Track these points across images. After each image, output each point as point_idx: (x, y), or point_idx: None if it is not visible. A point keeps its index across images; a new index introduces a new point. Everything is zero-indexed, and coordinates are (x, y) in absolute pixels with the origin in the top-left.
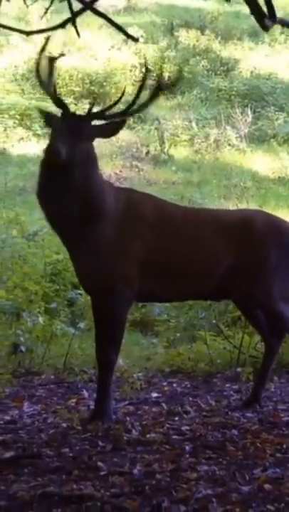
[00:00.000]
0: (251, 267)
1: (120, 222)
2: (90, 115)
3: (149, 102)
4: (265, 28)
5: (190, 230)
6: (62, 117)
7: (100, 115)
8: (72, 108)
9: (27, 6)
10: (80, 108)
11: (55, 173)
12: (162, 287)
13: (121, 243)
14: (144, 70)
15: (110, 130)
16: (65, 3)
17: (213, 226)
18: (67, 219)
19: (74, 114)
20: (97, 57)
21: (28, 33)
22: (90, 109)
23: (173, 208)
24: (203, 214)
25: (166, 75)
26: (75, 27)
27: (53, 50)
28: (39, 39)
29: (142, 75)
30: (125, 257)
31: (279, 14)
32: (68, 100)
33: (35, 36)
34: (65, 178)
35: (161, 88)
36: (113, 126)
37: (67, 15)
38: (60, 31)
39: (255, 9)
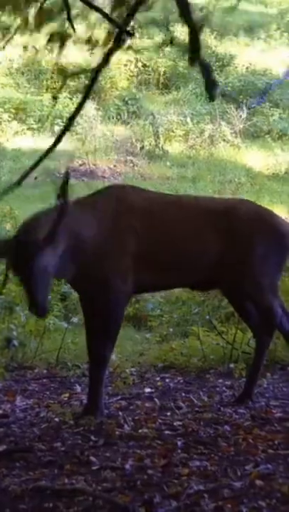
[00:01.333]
0: (237, 256)
1: (108, 220)
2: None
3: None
4: (212, 98)
5: (178, 219)
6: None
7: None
8: (66, 103)
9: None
10: (75, 102)
11: None
12: (151, 277)
13: (113, 240)
14: None
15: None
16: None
17: (200, 214)
18: None
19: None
20: (93, 51)
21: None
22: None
23: (160, 197)
24: (191, 202)
25: (161, 69)
26: (71, 22)
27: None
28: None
29: (137, 70)
30: (121, 253)
31: (272, 11)
32: (64, 94)
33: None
34: None
35: None
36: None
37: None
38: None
39: (208, 77)
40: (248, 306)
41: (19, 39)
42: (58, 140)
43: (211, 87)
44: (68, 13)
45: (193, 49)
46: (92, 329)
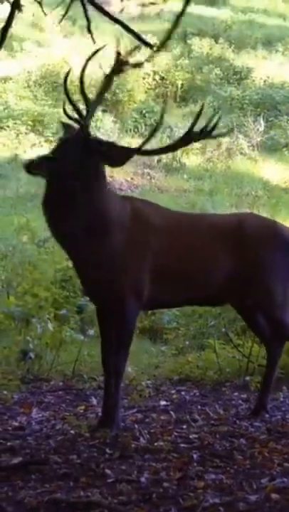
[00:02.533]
0: (247, 271)
1: (127, 232)
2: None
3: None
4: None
5: (190, 237)
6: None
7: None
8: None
9: (45, 14)
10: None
11: (53, 190)
12: (167, 294)
13: (129, 253)
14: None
15: (117, 157)
16: (80, 10)
17: (211, 231)
18: (73, 235)
19: (81, 131)
20: (108, 60)
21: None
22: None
23: (175, 214)
24: (202, 219)
25: (178, 82)
26: (91, 33)
27: (67, 56)
28: (52, 46)
29: (155, 83)
30: (135, 267)
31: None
32: (81, 107)
33: (48, 43)
34: (62, 194)
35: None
36: (121, 153)
37: (81, 21)
38: (75, 38)
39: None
40: (258, 318)
41: (37, 51)
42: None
43: None
44: (88, 25)
45: None
46: (107, 342)
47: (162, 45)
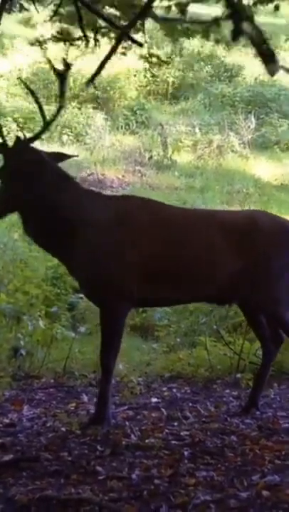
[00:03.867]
0: (256, 270)
1: (113, 231)
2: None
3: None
4: (272, 73)
5: (191, 233)
6: None
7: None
8: (74, 112)
9: (38, 11)
10: (84, 112)
11: (20, 214)
12: (160, 292)
13: (114, 251)
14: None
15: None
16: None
17: (218, 228)
18: (53, 242)
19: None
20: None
21: None
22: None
23: (171, 210)
24: (204, 215)
25: (170, 80)
26: (83, 31)
27: (58, 54)
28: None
29: (146, 80)
30: (120, 265)
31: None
32: (72, 104)
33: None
34: (30, 211)
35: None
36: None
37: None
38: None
39: (262, 52)
40: (260, 317)
41: (28, 49)
42: None
43: (267, 61)
44: (81, 23)
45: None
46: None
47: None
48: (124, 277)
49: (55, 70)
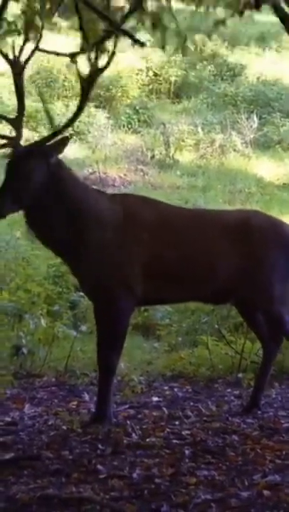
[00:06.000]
0: (251, 268)
1: (117, 229)
2: (35, 145)
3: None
4: None
5: (191, 232)
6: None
7: (46, 140)
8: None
9: (38, 13)
10: (86, 111)
11: (26, 210)
12: (165, 290)
13: (120, 250)
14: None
15: (57, 148)
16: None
17: (214, 227)
18: (60, 242)
19: (17, 150)
20: (104, 60)
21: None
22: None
23: (173, 209)
24: (203, 215)
25: (172, 79)
26: (83, 30)
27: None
28: (46, 42)
29: (148, 79)
30: (126, 263)
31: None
32: (74, 102)
33: (43, 39)
34: (38, 211)
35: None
36: (59, 143)
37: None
38: (67, 36)
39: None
40: (257, 316)
41: (31, 47)
42: None
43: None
44: (80, 22)
45: None
46: (99, 338)
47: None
48: (132, 275)
49: (80, 76)
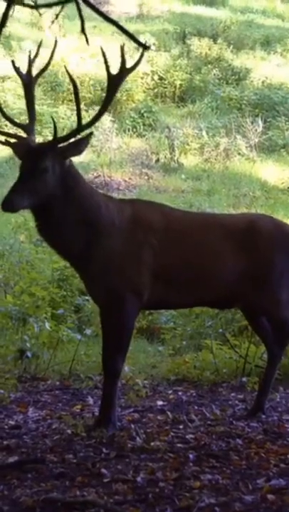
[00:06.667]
0: (258, 273)
1: (126, 234)
2: (52, 143)
3: (97, 117)
4: None
5: (197, 237)
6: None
7: (63, 139)
8: (83, 114)
9: (40, 14)
10: (91, 114)
11: (37, 211)
12: (171, 295)
13: (129, 254)
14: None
15: (78, 148)
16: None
17: (221, 231)
18: (70, 246)
19: (33, 147)
20: (109, 64)
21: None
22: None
23: (180, 214)
24: (210, 219)
25: (177, 83)
26: (85, 34)
27: (66, 56)
28: (51, 46)
29: (153, 83)
30: (135, 268)
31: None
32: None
33: (47, 42)
34: (49, 212)
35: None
36: (80, 143)
37: (78, 21)
38: (73, 38)
39: None
40: (262, 320)
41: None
42: None
43: None
44: (82, 26)
45: None
46: (105, 342)
47: None
48: (139, 279)
49: (109, 73)
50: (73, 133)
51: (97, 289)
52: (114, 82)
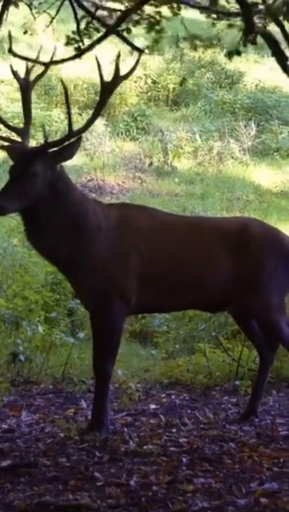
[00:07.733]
0: (250, 276)
1: (113, 239)
2: (43, 147)
3: (89, 124)
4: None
5: (187, 241)
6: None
7: (54, 144)
8: (76, 118)
9: (34, 18)
10: (84, 118)
11: (26, 215)
12: (161, 299)
13: (115, 259)
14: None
15: (69, 152)
16: (71, 13)
17: (212, 235)
18: (58, 250)
19: (24, 151)
20: (103, 67)
21: (48, 64)
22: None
23: (169, 218)
24: (200, 223)
25: (170, 86)
26: (79, 35)
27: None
28: (45, 50)
29: (146, 86)
30: (121, 273)
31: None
32: (73, 110)
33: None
34: (38, 216)
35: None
36: (71, 147)
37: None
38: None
39: (278, 52)
40: (253, 324)
41: (30, 54)
42: None
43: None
44: (78, 28)
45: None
46: (95, 345)
47: None
48: (127, 283)
49: (102, 80)
50: (64, 139)
51: (85, 293)
52: (108, 89)
